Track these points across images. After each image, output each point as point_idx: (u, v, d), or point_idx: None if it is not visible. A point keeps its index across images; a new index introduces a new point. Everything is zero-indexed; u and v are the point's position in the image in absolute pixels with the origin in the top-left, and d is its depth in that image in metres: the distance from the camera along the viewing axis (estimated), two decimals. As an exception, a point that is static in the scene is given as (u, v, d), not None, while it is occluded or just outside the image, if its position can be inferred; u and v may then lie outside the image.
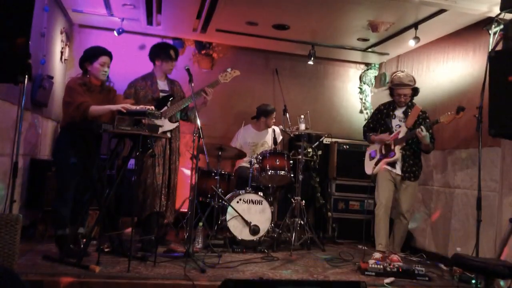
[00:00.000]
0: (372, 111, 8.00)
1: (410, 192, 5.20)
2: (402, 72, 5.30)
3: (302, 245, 5.82)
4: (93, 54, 4.63)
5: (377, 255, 5.08)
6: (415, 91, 5.26)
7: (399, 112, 5.30)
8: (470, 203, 5.26)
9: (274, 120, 6.67)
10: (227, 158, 6.36)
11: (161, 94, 5.30)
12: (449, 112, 4.87)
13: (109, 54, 4.68)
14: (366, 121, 5.62)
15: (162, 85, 5.39)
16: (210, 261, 4.68)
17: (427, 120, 5.12)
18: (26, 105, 4.13)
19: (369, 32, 6.37)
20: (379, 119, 5.43)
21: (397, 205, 5.25)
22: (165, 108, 5.17)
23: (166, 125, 5.15)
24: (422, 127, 4.90)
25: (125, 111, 4.35)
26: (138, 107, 4.48)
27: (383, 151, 5.29)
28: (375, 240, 5.25)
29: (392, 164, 5.20)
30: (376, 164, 5.31)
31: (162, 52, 5.37)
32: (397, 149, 5.15)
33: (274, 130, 6.39)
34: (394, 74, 5.36)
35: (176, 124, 5.29)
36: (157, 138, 4.84)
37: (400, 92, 5.19)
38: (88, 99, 4.42)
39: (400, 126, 5.22)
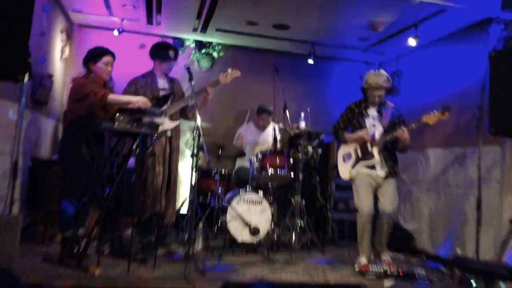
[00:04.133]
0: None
1: (392, 189, 4.99)
2: (376, 71, 5.13)
3: (302, 247, 5.80)
4: (97, 54, 4.69)
5: (363, 260, 4.96)
6: (390, 90, 5.17)
7: (372, 111, 5.12)
8: (470, 203, 5.25)
9: (265, 122, 6.70)
10: (227, 158, 6.36)
11: (161, 93, 5.31)
12: (434, 112, 4.70)
13: (112, 54, 4.75)
14: (337, 121, 5.34)
15: (162, 83, 5.41)
16: (210, 263, 4.68)
17: (401, 118, 4.98)
18: (26, 104, 4.13)
19: (369, 31, 6.35)
20: (350, 119, 5.22)
21: (382, 206, 5.01)
22: (166, 106, 5.17)
23: (167, 123, 5.16)
24: (404, 128, 4.76)
25: (146, 104, 4.57)
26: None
27: (359, 153, 5.09)
28: (358, 248, 5.06)
29: (372, 166, 5.02)
30: (353, 167, 5.11)
31: (161, 52, 5.40)
32: (375, 151, 4.95)
33: (274, 128, 6.40)
34: (368, 76, 5.15)
35: (177, 123, 5.30)
36: (157, 137, 4.85)
37: (375, 94, 5.04)
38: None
39: (374, 126, 5.05)
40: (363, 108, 5.17)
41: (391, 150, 5.07)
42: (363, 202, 4.97)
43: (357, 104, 5.24)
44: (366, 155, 5.00)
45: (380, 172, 5.00)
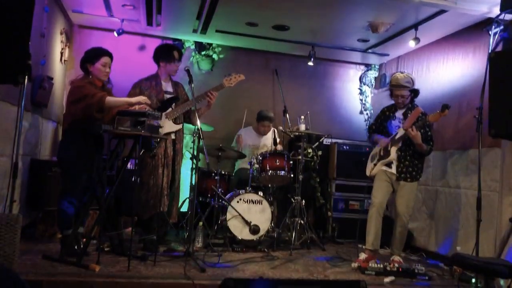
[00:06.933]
0: (372, 111, 8.03)
1: (406, 193, 5.10)
2: (402, 73, 5.26)
3: (302, 244, 5.81)
4: (95, 55, 4.65)
5: (362, 255, 5.05)
6: (415, 93, 5.22)
7: (399, 114, 5.26)
8: (470, 203, 5.26)
9: (267, 128, 6.67)
10: (227, 158, 6.37)
11: (166, 95, 5.31)
12: (437, 111, 4.82)
13: (110, 55, 4.71)
14: (370, 124, 5.64)
15: (167, 86, 5.40)
16: (210, 260, 4.68)
17: (426, 122, 5.01)
18: (26, 106, 4.13)
19: (369, 33, 6.38)
20: (382, 121, 5.41)
21: (394, 206, 5.23)
22: (170, 109, 5.18)
23: (171, 126, 5.18)
24: (413, 126, 4.87)
25: (143, 103, 4.58)
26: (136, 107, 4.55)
27: (381, 153, 5.27)
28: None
29: (389, 164, 5.18)
30: (375, 165, 5.31)
31: (165, 54, 5.38)
32: (393, 150, 5.12)
33: (274, 131, 6.40)
34: (393, 75, 5.32)
35: (180, 126, 5.31)
36: (159, 139, 4.86)
37: (397, 93, 5.16)
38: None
39: (398, 128, 5.17)
40: (392, 111, 5.36)
41: (416, 153, 5.11)
42: (374, 193, 5.22)
43: (389, 107, 5.44)
44: (385, 153, 5.21)
45: (394, 170, 5.15)
